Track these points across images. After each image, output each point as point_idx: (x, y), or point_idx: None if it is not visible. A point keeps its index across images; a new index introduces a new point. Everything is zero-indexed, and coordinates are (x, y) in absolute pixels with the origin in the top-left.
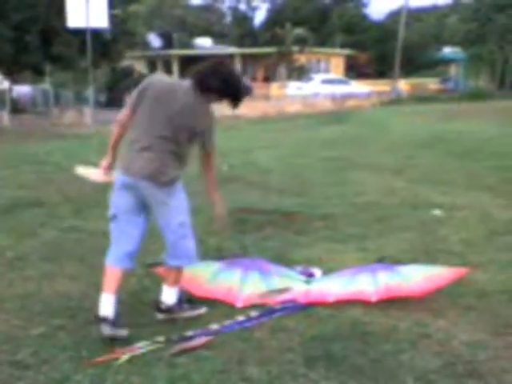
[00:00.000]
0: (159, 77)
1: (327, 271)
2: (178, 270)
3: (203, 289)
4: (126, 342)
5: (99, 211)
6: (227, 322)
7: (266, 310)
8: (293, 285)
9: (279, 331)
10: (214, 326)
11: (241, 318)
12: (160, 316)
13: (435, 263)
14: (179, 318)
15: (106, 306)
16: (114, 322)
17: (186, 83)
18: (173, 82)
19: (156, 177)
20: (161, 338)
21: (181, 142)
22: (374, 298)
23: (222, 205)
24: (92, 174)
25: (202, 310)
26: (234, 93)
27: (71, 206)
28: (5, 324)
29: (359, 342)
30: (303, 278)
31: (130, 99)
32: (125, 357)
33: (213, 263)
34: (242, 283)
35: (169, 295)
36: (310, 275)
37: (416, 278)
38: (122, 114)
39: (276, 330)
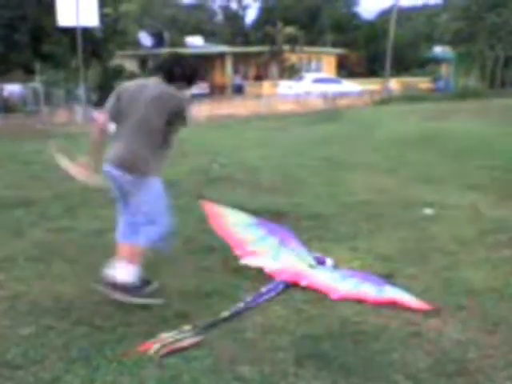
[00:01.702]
0: (130, 82)
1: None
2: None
3: (246, 249)
4: (148, 334)
5: (89, 211)
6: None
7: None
8: (298, 264)
9: (270, 330)
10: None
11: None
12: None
13: (426, 262)
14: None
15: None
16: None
17: (154, 79)
18: (143, 81)
19: (127, 165)
20: (187, 327)
21: (155, 129)
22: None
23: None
24: (72, 168)
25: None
26: (193, 74)
27: (61, 206)
28: None
29: (350, 341)
30: (313, 262)
31: (107, 104)
32: (156, 346)
33: (257, 228)
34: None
35: (124, 273)
36: (322, 262)
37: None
38: (101, 118)
39: (266, 329)
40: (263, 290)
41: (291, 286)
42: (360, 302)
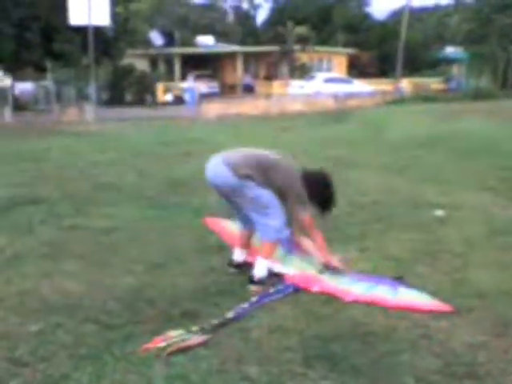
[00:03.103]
0: None
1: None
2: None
3: None
4: (156, 333)
5: (99, 209)
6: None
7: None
8: (307, 270)
9: (277, 330)
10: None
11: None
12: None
13: (436, 263)
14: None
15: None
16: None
17: None
18: None
19: None
20: (195, 328)
21: None
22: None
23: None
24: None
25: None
26: (327, 206)
27: (71, 204)
28: (3, 321)
29: (359, 342)
30: (321, 267)
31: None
32: (164, 344)
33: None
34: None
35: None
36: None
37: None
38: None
39: (274, 329)
40: (271, 290)
41: (301, 290)
42: (375, 305)
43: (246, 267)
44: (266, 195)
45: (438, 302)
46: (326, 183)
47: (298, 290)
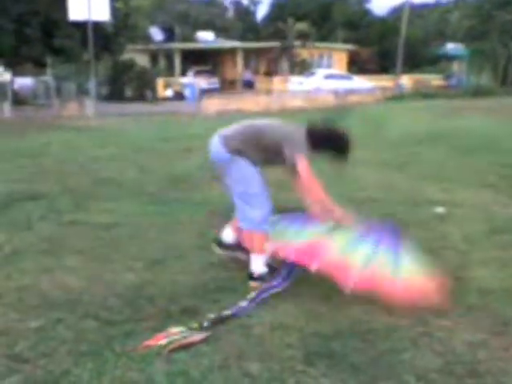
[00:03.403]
0: None
1: None
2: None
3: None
4: (156, 329)
5: (99, 204)
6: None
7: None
8: (314, 237)
9: (278, 328)
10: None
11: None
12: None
13: (437, 261)
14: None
15: None
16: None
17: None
18: None
19: None
20: (195, 324)
21: None
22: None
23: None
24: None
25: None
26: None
27: (71, 199)
28: (2, 317)
29: (359, 339)
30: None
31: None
32: (165, 341)
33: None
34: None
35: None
36: None
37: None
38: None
39: (275, 326)
40: (268, 285)
41: (300, 271)
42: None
43: (232, 249)
44: (253, 178)
45: (435, 281)
46: (336, 130)
47: (294, 271)
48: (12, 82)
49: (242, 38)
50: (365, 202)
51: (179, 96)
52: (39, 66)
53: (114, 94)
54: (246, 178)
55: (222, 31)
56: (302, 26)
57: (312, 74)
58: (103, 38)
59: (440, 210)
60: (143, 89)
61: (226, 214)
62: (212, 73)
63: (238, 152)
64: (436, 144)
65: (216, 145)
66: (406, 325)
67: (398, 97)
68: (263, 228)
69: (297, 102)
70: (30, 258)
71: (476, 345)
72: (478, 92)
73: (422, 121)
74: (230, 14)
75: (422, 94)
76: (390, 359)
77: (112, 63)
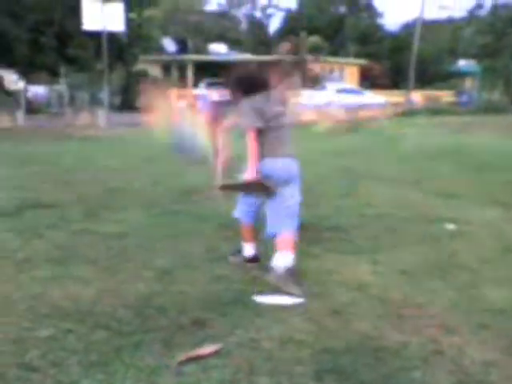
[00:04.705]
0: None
1: (338, 283)
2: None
3: None
4: (166, 341)
5: (110, 214)
6: None
7: None
8: None
9: (289, 342)
10: None
11: None
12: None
13: (448, 278)
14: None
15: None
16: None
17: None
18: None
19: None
20: None
21: None
22: None
23: None
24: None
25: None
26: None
27: (82, 208)
28: (13, 326)
29: (370, 356)
30: None
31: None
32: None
33: None
34: None
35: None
36: None
37: None
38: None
39: (285, 341)
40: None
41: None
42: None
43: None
44: None
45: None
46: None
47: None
48: (26, 90)
49: (255, 51)
50: (376, 218)
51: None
52: (53, 74)
53: (126, 103)
54: None
55: (234, 44)
56: (314, 39)
57: (323, 88)
58: (117, 49)
59: (451, 226)
60: None
61: (237, 227)
62: (224, 85)
63: None
64: (447, 160)
65: (295, 163)
66: (416, 342)
67: (409, 112)
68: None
69: (307, 116)
70: (42, 266)
71: (488, 364)
72: (490, 109)
73: (433, 137)
74: (243, 26)
75: (433, 110)
76: (400, 377)
77: (125, 73)
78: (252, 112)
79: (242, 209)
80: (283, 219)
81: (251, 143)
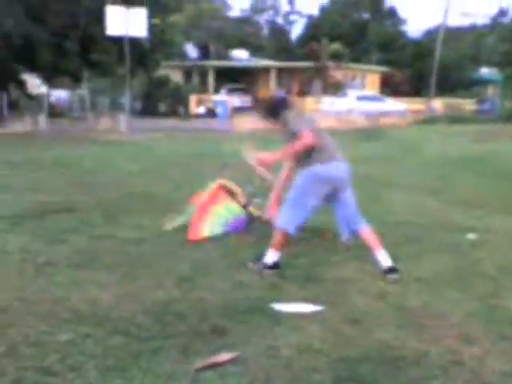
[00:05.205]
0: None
1: (357, 291)
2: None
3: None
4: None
5: (130, 219)
6: None
7: None
8: None
9: (306, 351)
10: None
11: None
12: None
13: (468, 288)
14: None
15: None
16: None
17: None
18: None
19: None
20: None
21: None
22: None
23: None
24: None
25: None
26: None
27: (103, 213)
28: (33, 329)
29: (389, 365)
30: None
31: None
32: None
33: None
34: None
35: None
36: None
37: None
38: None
39: (303, 349)
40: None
41: None
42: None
43: None
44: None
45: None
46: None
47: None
48: (48, 94)
49: (276, 58)
50: (396, 226)
51: (211, 113)
52: (75, 79)
53: (148, 109)
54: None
55: (256, 50)
56: (336, 46)
57: (344, 94)
58: (139, 54)
59: (471, 236)
60: (176, 105)
61: (256, 233)
62: (245, 91)
63: None
64: (468, 169)
65: (346, 166)
66: (436, 352)
67: (430, 120)
68: None
69: (328, 123)
70: (63, 270)
71: (508, 375)
72: (511, 117)
73: (454, 145)
74: (265, 32)
75: (454, 118)
76: None
77: (147, 79)
78: (303, 120)
79: (297, 223)
80: (358, 216)
81: (301, 145)
